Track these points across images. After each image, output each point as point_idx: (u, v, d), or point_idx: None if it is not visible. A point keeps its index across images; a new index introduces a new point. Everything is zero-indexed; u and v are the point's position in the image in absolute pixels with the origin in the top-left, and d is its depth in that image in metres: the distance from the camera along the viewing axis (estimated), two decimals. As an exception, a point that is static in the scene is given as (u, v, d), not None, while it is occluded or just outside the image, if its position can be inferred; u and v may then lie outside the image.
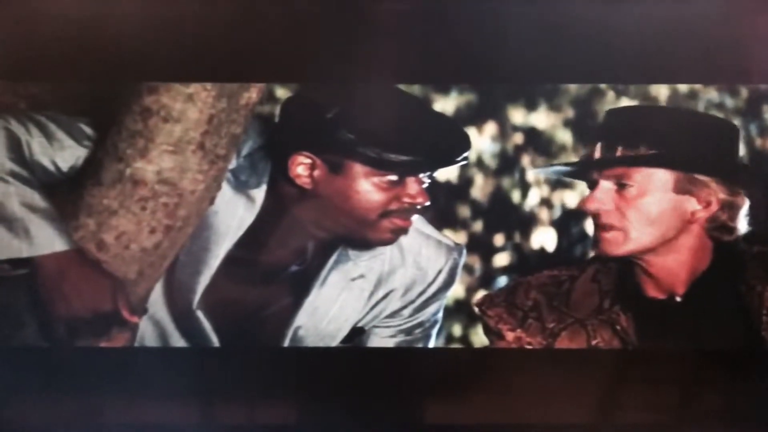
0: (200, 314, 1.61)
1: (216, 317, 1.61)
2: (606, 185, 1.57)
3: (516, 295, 1.64)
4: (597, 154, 1.58)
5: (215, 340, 1.62)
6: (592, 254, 1.64)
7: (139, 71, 1.58)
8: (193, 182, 1.54)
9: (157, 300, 1.61)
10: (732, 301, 1.60)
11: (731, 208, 1.58)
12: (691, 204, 1.57)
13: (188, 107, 1.52)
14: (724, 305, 1.61)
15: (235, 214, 1.59)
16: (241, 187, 1.59)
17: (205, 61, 1.59)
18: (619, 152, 1.56)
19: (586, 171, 1.59)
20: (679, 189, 1.57)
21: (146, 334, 1.62)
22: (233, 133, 1.55)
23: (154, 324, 1.62)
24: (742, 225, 1.59)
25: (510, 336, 1.63)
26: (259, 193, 1.59)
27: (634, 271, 1.62)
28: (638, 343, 1.61)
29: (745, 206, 1.59)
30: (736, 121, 1.60)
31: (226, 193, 1.59)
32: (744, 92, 1.61)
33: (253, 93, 1.55)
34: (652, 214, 1.57)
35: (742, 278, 1.60)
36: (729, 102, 1.61)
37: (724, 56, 1.60)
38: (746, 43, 1.61)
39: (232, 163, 1.58)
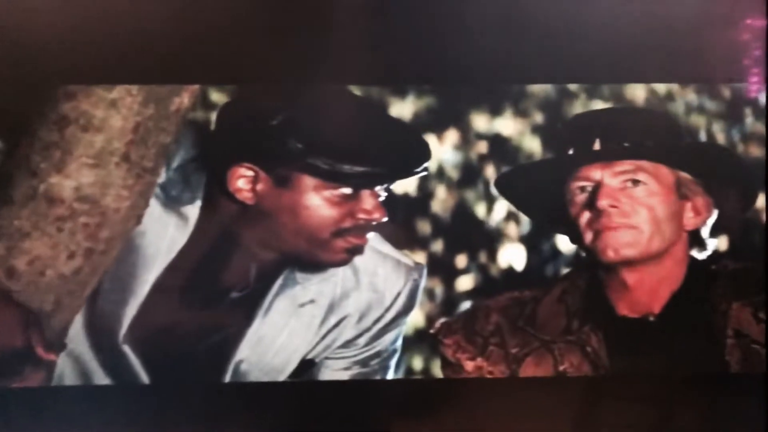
0: (127, 348, 1.53)
1: (145, 351, 1.54)
2: (612, 182, 1.53)
3: (475, 320, 1.58)
4: (597, 148, 1.53)
5: (144, 377, 1.54)
6: (563, 269, 1.59)
7: (54, 74, 1.50)
8: (117, 199, 1.48)
9: (76, 334, 1.52)
10: (702, 322, 1.57)
11: (709, 220, 1.57)
12: (687, 211, 1.55)
13: (111, 114, 1.46)
14: (696, 326, 1.57)
15: (165, 234, 1.52)
16: (172, 203, 1.52)
17: (129, 61, 1.51)
18: (626, 146, 1.53)
19: (582, 166, 1.53)
20: (680, 192, 1.54)
21: (65, 373, 1.53)
22: (162, 143, 1.49)
23: (73, 360, 1.54)
24: (713, 240, 1.57)
25: (470, 366, 1.58)
26: (193, 210, 1.52)
27: (605, 288, 1.57)
28: (610, 366, 1.57)
29: (713, 218, 1.56)
30: (718, 125, 1.57)
31: (154, 210, 1.51)
32: (726, 94, 1.56)
33: (184, 97, 1.49)
34: (661, 215, 1.53)
35: (708, 297, 1.57)
36: (709, 105, 1.56)
37: (703, 54, 1.55)
38: (728, 40, 1.56)
39: (162, 177, 1.52)
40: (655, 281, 1.56)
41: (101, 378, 1.53)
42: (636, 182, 1.52)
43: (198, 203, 1.52)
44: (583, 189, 1.54)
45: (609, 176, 1.52)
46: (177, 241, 1.52)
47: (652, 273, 1.55)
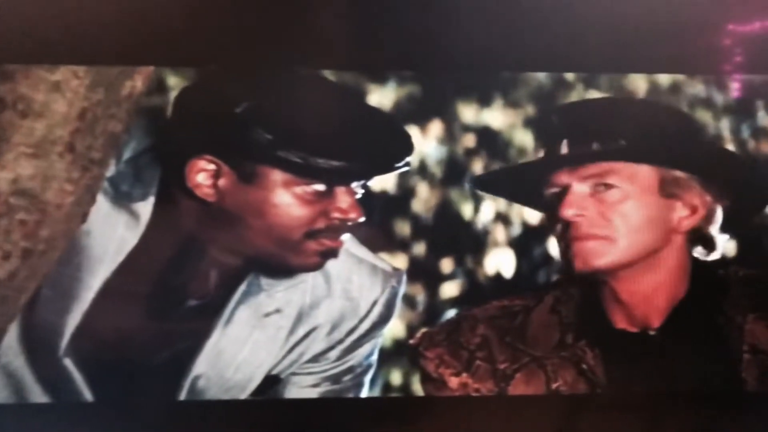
0: (68, 362, 1.47)
1: (89, 366, 1.49)
2: (580, 188, 1.46)
3: (460, 331, 1.51)
4: (564, 150, 1.47)
5: (88, 394, 1.48)
6: (555, 277, 1.52)
7: (-13, 51, 1.46)
8: (60, 194, 1.43)
9: (11, 346, 1.47)
10: (712, 335, 1.50)
11: (713, 218, 1.49)
12: (677, 210, 1.47)
13: (54, 99, 1.41)
14: (705, 340, 1.50)
15: (113, 234, 1.47)
16: (122, 199, 1.48)
17: (75, 39, 1.46)
18: (594, 147, 1.46)
19: (551, 172, 1.47)
20: (665, 191, 1.46)
21: (-3, 389, 1.50)
22: (112, 132, 1.44)
23: (7, 376, 1.48)
24: (721, 240, 1.50)
25: (454, 382, 1.50)
26: (145, 208, 1.48)
27: (600, 298, 1.50)
28: (607, 384, 1.49)
29: (719, 214, 1.49)
30: (726, 121, 1.51)
31: (102, 207, 1.46)
32: (734, 86, 1.51)
33: (137, 81, 1.44)
34: (637, 220, 1.46)
35: (721, 308, 1.50)
36: (717, 97, 1.50)
37: (710, 42, 1.50)
38: (734, 27, 1.51)
39: (111, 170, 1.47)
40: (649, 290, 1.49)
41: (38, 395, 1.48)
42: (607, 186, 1.46)
43: (151, 200, 1.47)
44: (556, 196, 1.48)
45: (578, 181, 1.46)
46: (127, 242, 1.47)
47: (644, 282, 1.48)
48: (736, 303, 1.50)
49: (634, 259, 1.46)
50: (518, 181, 1.50)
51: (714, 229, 1.49)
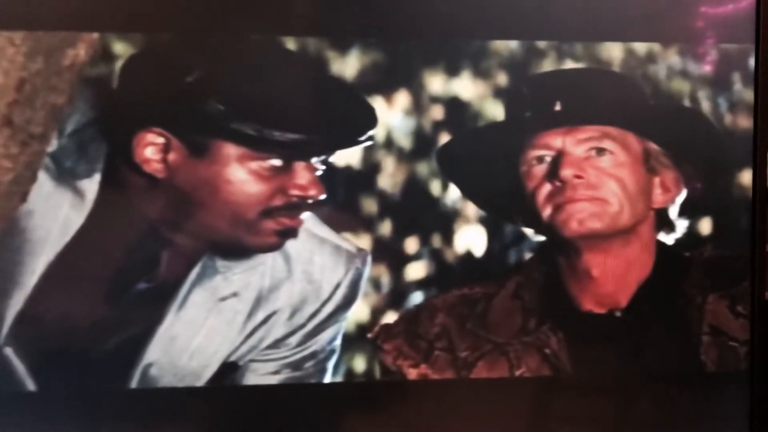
0: (9, 351, 1.43)
1: (32, 354, 1.44)
2: (575, 150, 1.44)
3: (418, 321, 1.47)
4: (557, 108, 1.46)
5: (30, 384, 1.44)
6: (528, 256, 1.48)
7: None
8: None
9: None
10: (674, 316, 1.51)
11: (678, 201, 1.50)
12: (656, 186, 1.47)
13: None
14: (668, 321, 1.51)
15: (57, 214, 1.43)
16: (66, 176, 1.43)
17: (11, 0, 1.39)
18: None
19: (539, 131, 1.45)
20: (648, 165, 1.46)
21: (-69, 381, 1.44)
22: (54, 104, 1.40)
23: None
24: (682, 221, 1.50)
25: (413, 374, 1.47)
26: (91, 185, 1.43)
27: (565, 280, 1.48)
28: (572, 369, 1.48)
29: (682, 196, 1.49)
30: (703, 92, 1.47)
31: (44, 185, 1.42)
32: (712, 56, 1.47)
33: (80, 49, 1.40)
34: (630, 187, 1.45)
35: (682, 289, 1.50)
36: (693, 68, 1.46)
37: (687, 10, 1.46)
38: None
39: (53, 145, 1.42)
40: (622, 266, 1.48)
41: (-24, 387, 1.46)
42: (601, 151, 1.45)
43: (97, 177, 1.43)
44: (541, 159, 1.45)
45: (571, 144, 1.44)
46: (72, 223, 1.42)
47: (618, 256, 1.47)
48: (697, 284, 1.49)
49: (625, 227, 1.46)
50: (492, 142, 1.45)
51: (674, 210, 1.49)
